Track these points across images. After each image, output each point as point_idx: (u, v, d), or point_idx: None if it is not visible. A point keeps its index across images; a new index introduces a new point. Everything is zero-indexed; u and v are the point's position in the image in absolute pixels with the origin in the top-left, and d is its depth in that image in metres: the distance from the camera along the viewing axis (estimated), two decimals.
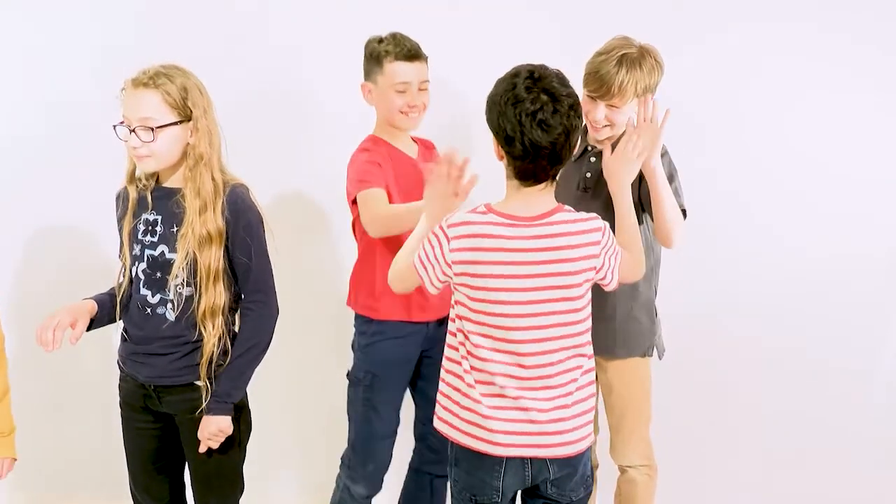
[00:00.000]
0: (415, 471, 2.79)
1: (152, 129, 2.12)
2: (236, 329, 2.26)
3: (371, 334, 2.59)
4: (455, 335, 2.03)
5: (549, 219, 1.96)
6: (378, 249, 2.53)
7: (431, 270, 2.00)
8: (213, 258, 2.16)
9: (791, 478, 3.12)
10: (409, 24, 2.58)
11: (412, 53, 2.50)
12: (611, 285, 2.05)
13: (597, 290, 2.06)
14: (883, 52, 2.96)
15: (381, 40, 2.53)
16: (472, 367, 1.99)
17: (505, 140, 1.91)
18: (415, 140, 2.65)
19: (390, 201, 2.48)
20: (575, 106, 1.93)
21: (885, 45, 2.96)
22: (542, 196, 1.98)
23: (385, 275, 2.37)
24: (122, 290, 2.25)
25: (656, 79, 2.35)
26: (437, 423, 2.08)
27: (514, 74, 1.93)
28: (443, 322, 2.62)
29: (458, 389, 2.02)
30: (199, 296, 2.17)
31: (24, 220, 3.12)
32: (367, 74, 2.57)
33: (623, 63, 2.30)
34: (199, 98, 2.16)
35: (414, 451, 2.79)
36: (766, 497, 3.13)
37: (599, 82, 2.31)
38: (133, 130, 2.13)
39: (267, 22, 3.04)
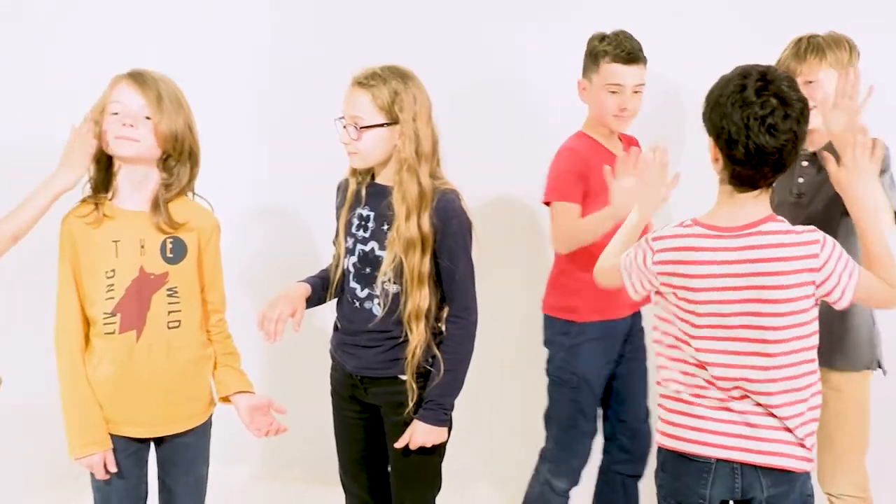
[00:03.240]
0: (605, 472, 2.78)
1: (358, 129, 2.20)
2: (442, 326, 2.30)
3: (574, 335, 2.61)
4: (661, 341, 2.01)
5: (758, 228, 1.88)
6: (576, 251, 2.54)
7: (636, 278, 2.00)
8: (419, 262, 2.19)
9: None
10: (626, 22, 2.58)
11: (630, 56, 2.50)
12: (841, 303, 1.89)
13: None
14: None
15: (602, 38, 2.55)
16: (679, 371, 1.96)
17: (727, 142, 1.85)
18: (621, 137, 2.65)
19: (589, 201, 2.49)
20: (805, 112, 1.85)
21: None
22: (755, 204, 1.90)
23: (583, 276, 2.42)
24: (335, 279, 2.33)
25: (845, 50, 2.29)
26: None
27: (744, 75, 1.85)
28: (637, 314, 2.66)
29: (666, 396, 1.99)
30: (406, 297, 2.21)
31: (243, 207, 3.32)
32: (584, 71, 2.59)
33: (802, 41, 2.32)
34: (409, 103, 2.18)
35: (604, 451, 2.78)
36: None
37: (786, 66, 2.29)
38: (345, 126, 2.22)
39: (480, 21, 3.10)
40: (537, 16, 3.09)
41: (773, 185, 1.92)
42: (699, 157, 2.16)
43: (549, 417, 2.71)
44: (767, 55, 2.26)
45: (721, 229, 1.89)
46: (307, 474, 3.36)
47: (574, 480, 2.69)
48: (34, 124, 3.04)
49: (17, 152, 3.00)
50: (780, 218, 1.92)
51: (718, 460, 1.92)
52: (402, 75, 2.21)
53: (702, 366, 1.92)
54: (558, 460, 2.67)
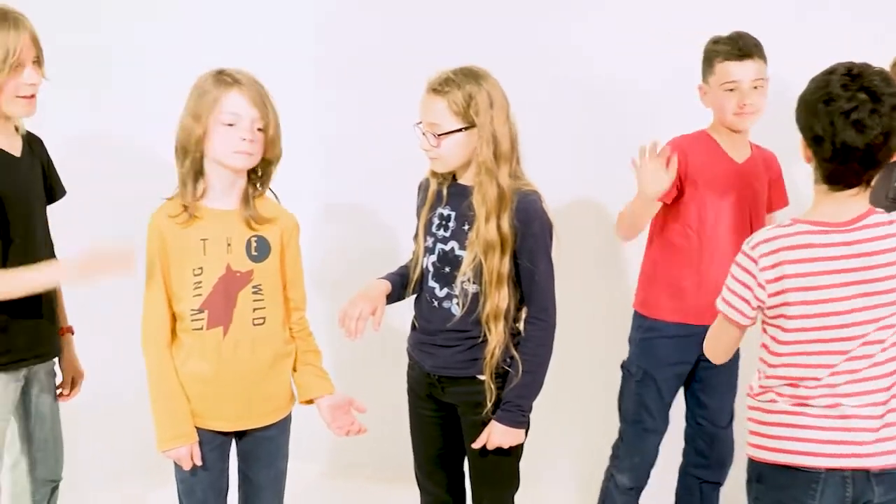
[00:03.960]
0: (683, 474, 2.77)
1: (437, 136, 2.20)
2: (520, 327, 2.29)
3: (646, 329, 2.62)
4: (766, 347, 1.94)
5: (863, 222, 1.85)
6: (658, 246, 2.57)
7: (740, 303, 1.90)
8: (498, 264, 2.18)
9: None
10: (737, 22, 2.57)
11: (743, 52, 2.48)
12: None
13: None
14: None
15: (717, 41, 2.54)
16: (774, 379, 1.90)
17: (813, 140, 1.82)
18: (753, 146, 2.62)
19: (688, 196, 2.50)
20: None
21: None
22: (855, 202, 1.86)
23: (667, 274, 2.47)
24: (415, 277, 2.34)
25: None
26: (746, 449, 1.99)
27: (830, 71, 1.83)
28: None
29: (759, 408, 1.94)
30: (485, 298, 2.21)
31: (314, 206, 3.36)
32: (703, 76, 2.58)
33: None
34: (485, 106, 2.17)
35: (683, 454, 2.76)
36: None
37: None
38: (424, 133, 2.23)
39: (570, 21, 3.09)
40: (613, 13, 3.06)
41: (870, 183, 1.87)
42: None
43: (619, 411, 2.73)
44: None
45: (825, 224, 1.85)
46: (376, 473, 3.38)
47: (638, 478, 2.68)
48: (104, 120, 3.14)
49: (94, 144, 3.08)
50: (879, 210, 1.90)
51: (829, 469, 1.85)
52: (475, 77, 2.21)
53: (803, 376, 1.87)
54: (622, 455, 2.69)
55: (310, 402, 2.29)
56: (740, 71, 2.47)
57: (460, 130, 2.19)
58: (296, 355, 2.29)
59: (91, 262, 2.10)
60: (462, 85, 2.18)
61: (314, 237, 3.22)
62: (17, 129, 2.27)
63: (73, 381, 2.47)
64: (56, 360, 2.42)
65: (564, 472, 3.24)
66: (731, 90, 2.48)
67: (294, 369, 2.29)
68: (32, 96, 2.19)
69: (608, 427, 2.77)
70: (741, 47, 2.48)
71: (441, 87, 2.19)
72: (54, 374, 2.42)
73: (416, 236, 2.37)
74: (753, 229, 2.49)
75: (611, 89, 3.06)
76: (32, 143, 2.35)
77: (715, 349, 2.04)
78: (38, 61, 2.19)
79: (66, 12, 2.96)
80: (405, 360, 2.44)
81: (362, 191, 3.42)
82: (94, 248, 2.10)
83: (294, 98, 3.21)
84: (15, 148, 2.26)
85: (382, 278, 2.36)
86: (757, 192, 2.59)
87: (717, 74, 2.50)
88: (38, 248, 2.27)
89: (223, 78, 2.15)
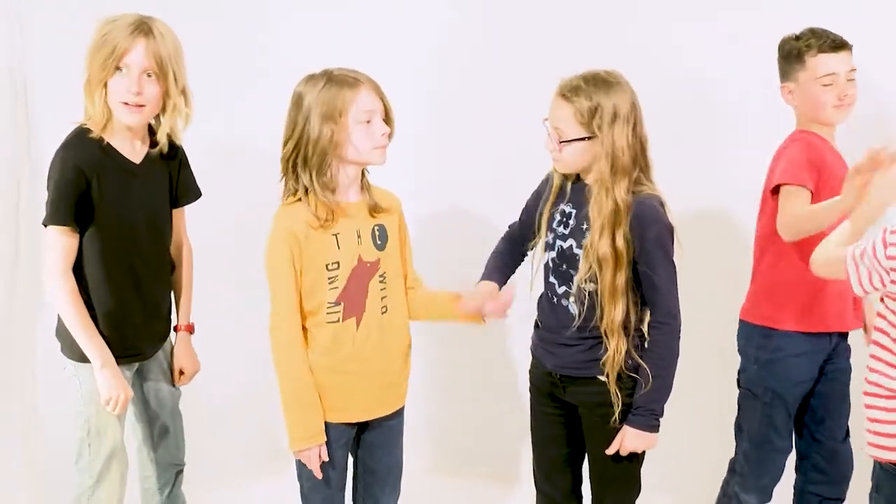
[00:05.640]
0: (801, 493, 2.68)
1: (559, 141, 2.20)
2: (644, 329, 2.27)
3: (772, 350, 2.53)
4: (882, 347, 1.92)
5: None
6: (787, 253, 2.46)
7: (865, 270, 1.88)
8: (612, 278, 2.17)
9: None
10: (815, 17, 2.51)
11: (837, 43, 2.42)
12: None
13: None
14: None
15: (798, 37, 2.47)
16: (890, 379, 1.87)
17: None
18: None
19: (818, 195, 2.38)
20: None
21: None
22: None
23: (788, 278, 2.38)
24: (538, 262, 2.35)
25: None
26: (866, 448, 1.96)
27: None
28: (846, 336, 2.54)
29: (881, 408, 1.91)
30: (601, 309, 2.19)
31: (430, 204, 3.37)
32: (786, 74, 2.51)
33: None
34: (608, 119, 2.14)
35: (797, 471, 2.68)
36: None
37: None
38: (549, 133, 2.23)
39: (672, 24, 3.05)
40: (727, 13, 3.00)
41: None
42: None
43: (739, 429, 2.65)
44: None
45: None
46: (488, 472, 3.33)
47: (764, 497, 2.62)
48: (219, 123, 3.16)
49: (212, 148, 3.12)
50: None
51: None
52: (606, 86, 2.17)
53: None
54: (747, 475, 2.61)
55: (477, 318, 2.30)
56: (836, 62, 2.41)
57: (581, 140, 2.18)
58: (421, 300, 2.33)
59: (109, 384, 2.21)
60: (590, 95, 2.15)
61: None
62: (150, 133, 2.27)
63: (180, 372, 2.46)
64: (169, 350, 2.45)
65: (667, 483, 3.12)
66: (829, 84, 2.41)
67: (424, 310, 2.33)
68: (138, 106, 2.16)
69: (714, 440, 2.72)
70: (834, 39, 2.42)
71: (570, 93, 2.17)
72: (170, 363, 2.45)
73: (539, 217, 2.34)
74: None
75: (721, 92, 3.02)
76: (165, 148, 2.31)
77: (817, 261, 2.01)
78: (158, 75, 2.17)
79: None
80: (516, 360, 2.45)
81: (459, 194, 3.42)
82: (118, 386, 2.22)
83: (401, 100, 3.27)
84: (138, 154, 2.27)
85: (483, 280, 2.36)
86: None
87: (811, 69, 2.42)
88: (143, 251, 2.29)
89: (346, 79, 2.13)
